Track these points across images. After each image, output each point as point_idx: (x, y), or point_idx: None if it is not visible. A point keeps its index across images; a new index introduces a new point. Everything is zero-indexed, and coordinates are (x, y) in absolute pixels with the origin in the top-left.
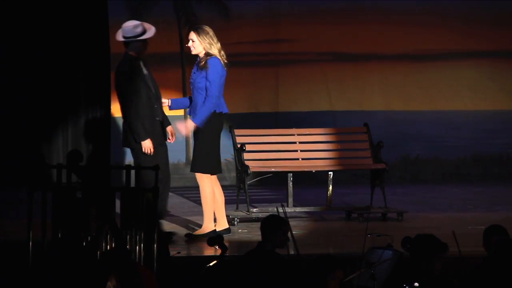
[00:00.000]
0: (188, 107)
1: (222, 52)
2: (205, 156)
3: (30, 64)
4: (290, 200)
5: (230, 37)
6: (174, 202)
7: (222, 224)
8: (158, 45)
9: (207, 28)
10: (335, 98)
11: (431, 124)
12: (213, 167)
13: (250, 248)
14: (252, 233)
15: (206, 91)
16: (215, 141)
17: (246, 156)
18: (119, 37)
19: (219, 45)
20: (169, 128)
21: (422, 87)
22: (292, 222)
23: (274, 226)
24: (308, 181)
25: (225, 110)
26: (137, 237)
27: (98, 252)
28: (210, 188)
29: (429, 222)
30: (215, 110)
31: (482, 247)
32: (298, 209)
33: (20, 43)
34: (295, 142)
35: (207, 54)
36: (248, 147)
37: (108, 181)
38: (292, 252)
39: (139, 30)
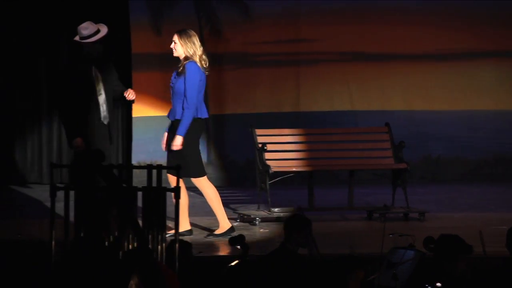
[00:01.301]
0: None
1: (204, 57)
2: (196, 161)
3: (50, 62)
4: (312, 200)
5: (251, 37)
6: None
7: (185, 226)
8: None
9: (191, 32)
10: (356, 98)
11: (452, 124)
12: (204, 169)
13: (272, 248)
14: (274, 233)
15: (185, 96)
16: (198, 146)
17: (267, 156)
18: (76, 37)
19: (201, 49)
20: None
21: (443, 87)
22: (313, 222)
23: (298, 226)
24: (330, 181)
25: (204, 115)
26: (159, 236)
27: (121, 252)
28: (212, 187)
29: (451, 222)
30: (194, 117)
31: (504, 247)
32: (319, 209)
33: (40, 41)
34: (316, 142)
35: (186, 59)
36: (269, 147)
37: (130, 180)
38: (313, 252)
39: (86, 32)
